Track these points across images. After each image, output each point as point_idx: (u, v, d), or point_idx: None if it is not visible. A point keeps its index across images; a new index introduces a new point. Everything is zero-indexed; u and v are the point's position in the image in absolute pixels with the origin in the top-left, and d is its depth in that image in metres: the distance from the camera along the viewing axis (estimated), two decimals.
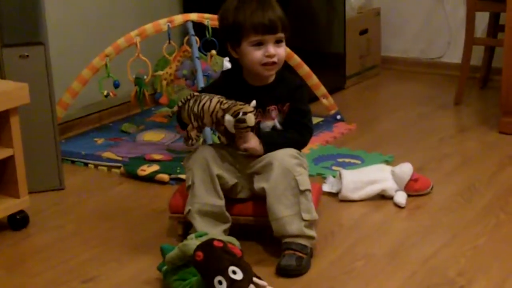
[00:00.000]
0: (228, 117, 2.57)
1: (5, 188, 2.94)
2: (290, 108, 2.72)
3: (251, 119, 2.55)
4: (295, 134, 2.71)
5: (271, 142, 2.68)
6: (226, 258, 2.26)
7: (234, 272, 2.24)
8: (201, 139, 3.54)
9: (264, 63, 2.66)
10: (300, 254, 2.56)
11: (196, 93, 2.69)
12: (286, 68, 3.02)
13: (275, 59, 2.66)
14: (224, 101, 2.61)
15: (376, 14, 5.09)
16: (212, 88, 2.78)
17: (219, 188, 2.65)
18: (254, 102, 2.61)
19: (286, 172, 2.59)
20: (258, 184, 2.66)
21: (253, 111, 2.57)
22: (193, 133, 2.66)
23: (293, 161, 2.62)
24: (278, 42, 2.66)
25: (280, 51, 2.67)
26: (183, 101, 2.69)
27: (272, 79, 2.73)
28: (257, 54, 2.65)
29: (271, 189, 2.60)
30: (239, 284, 2.22)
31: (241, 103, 2.58)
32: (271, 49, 2.64)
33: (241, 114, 2.54)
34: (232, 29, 2.68)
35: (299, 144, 2.73)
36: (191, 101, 2.65)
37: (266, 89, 2.71)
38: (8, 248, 2.83)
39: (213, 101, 2.61)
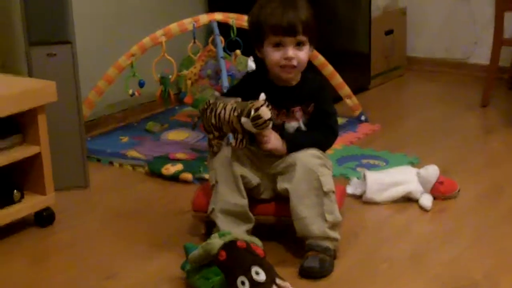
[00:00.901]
0: (244, 119, 2.56)
1: (32, 185, 2.97)
2: (315, 109, 2.71)
3: (264, 112, 2.53)
4: (319, 135, 2.70)
5: (295, 142, 2.68)
6: (249, 258, 2.27)
7: (257, 273, 2.24)
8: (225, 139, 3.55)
9: (283, 65, 2.65)
10: (323, 256, 2.55)
11: (212, 101, 2.69)
12: (311, 68, 3.01)
13: (293, 62, 2.64)
14: (237, 106, 2.60)
15: (402, 14, 5.07)
16: (236, 89, 2.80)
17: (242, 187, 2.65)
18: (263, 95, 2.58)
19: (309, 173, 2.59)
20: (281, 184, 2.65)
21: (264, 103, 2.55)
22: (214, 142, 2.68)
23: (316, 161, 2.62)
24: (298, 44, 2.64)
25: (301, 54, 2.64)
26: (201, 110, 2.70)
27: (297, 80, 2.72)
28: (276, 56, 2.64)
29: (294, 190, 2.60)
30: (262, 285, 2.23)
31: (251, 101, 2.57)
32: (290, 51, 2.63)
33: (253, 111, 2.53)
34: (255, 29, 2.69)
35: (323, 145, 2.71)
36: (208, 111, 2.66)
37: (291, 90, 2.71)
38: (34, 244, 2.86)
39: (227, 109, 2.62)
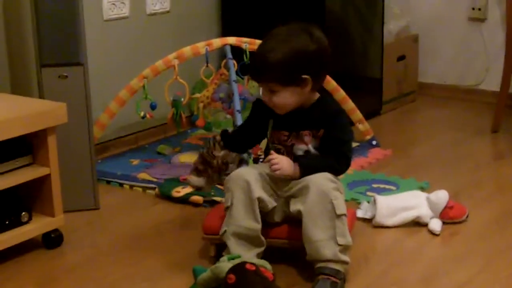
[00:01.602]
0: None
1: (41, 206, 2.97)
2: (327, 135, 2.68)
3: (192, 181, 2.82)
4: (333, 161, 2.68)
5: (308, 166, 2.67)
6: (258, 281, 2.26)
7: None
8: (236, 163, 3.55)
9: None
10: (334, 279, 2.53)
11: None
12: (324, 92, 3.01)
13: (269, 104, 2.66)
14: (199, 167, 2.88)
15: (414, 40, 5.08)
16: (249, 119, 2.84)
17: (258, 211, 2.64)
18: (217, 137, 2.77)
19: (323, 196, 2.58)
20: (294, 206, 2.65)
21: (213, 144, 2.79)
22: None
23: (330, 184, 2.61)
24: (271, 91, 2.63)
25: (275, 99, 2.62)
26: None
27: (310, 103, 2.71)
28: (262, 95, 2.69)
29: (307, 212, 2.59)
30: None
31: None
32: (263, 97, 2.66)
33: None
34: None
35: (336, 171, 2.70)
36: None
37: (300, 113, 2.70)
38: (41, 266, 2.85)
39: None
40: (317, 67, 2.63)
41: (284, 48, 2.58)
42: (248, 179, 2.64)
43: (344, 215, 2.61)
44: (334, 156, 2.69)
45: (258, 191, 2.64)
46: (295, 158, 2.70)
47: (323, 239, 2.57)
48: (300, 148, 2.71)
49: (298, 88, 2.62)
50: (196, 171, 2.92)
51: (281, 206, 2.73)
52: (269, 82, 2.61)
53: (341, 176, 2.73)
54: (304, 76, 2.60)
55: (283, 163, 2.65)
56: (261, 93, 2.68)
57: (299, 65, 2.59)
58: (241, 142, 2.87)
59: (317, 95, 2.72)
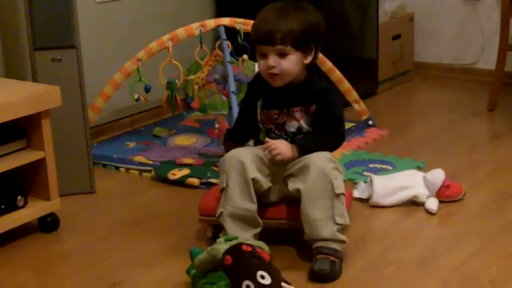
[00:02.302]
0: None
1: (36, 190, 2.96)
2: (319, 113, 2.70)
3: None
4: (329, 138, 2.71)
5: (306, 146, 2.68)
6: (255, 262, 2.26)
7: (262, 277, 2.23)
8: None
9: (267, 74, 2.68)
10: (333, 258, 2.54)
11: None
12: (319, 73, 3.01)
13: (275, 71, 2.65)
14: None
15: (409, 19, 5.06)
16: (246, 99, 2.85)
17: (253, 192, 2.64)
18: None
19: (322, 175, 2.59)
20: (294, 185, 2.65)
21: None
22: None
23: (330, 164, 2.62)
24: (281, 54, 2.64)
25: (284, 63, 2.65)
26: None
27: (299, 80, 2.72)
28: (262, 65, 2.69)
29: (307, 191, 2.59)
30: None
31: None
32: (270, 60, 2.65)
33: None
34: (249, 37, 2.75)
35: (332, 147, 2.73)
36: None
37: (291, 90, 2.71)
38: (38, 250, 2.85)
39: None
40: (320, 39, 2.71)
41: (296, 16, 2.64)
42: (242, 160, 2.64)
43: (343, 194, 2.61)
44: (328, 132, 2.71)
45: (253, 172, 2.64)
46: (290, 138, 2.71)
47: (322, 218, 2.57)
48: (292, 125, 2.72)
49: (303, 56, 2.67)
50: None
51: (278, 186, 2.73)
52: (285, 44, 2.62)
53: (338, 156, 2.74)
54: (311, 44, 2.67)
55: (281, 148, 2.66)
56: (257, 66, 2.69)
57: (310, 33, 2.67)
58: (244, 132, 2.86)
59: (305, 74, 2.75)
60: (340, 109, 2.78)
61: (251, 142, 2.90)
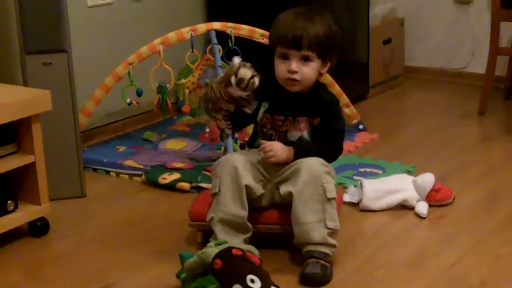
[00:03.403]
0: (230, 89, 2.62)
1: (26, 194, 2.95)
2: (322, 124, 2.71)
3: (244, 73, 2.59)
4: (326, 148, 2.71)
5: (302, 149, 2.68)
6: (245, 266, 2.26)
7: (252, 281, 2.23)
8: (223, 148, 3.54)
9: (286, 78, 2.66)
10: (324, 263, 2.54)
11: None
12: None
13: (296, 76, 2.65)
14: (217, 79, 2.69)
15: (400, 24, 5.07)
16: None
17: (245, 198, 2.63)
18: (235, 59, 2.64)
19: (314, 179, 2.59)
20: (285, 188, 2.65)
21: (240, 65, 2.61)
22: (221, 124, 2.68)
23: (322, 168, 2.62)
24: (305, 59, 2.64)
25: (306, 69, 2.64)
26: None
27: (308, 88, 2.72)
28: (281, 68, 2.67)
29: (298, 194, 2.59)
30: None
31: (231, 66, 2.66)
32: (293, 64, 2.64)
33: (233, 78, 2.58)
34: (269, 38, 2.74)
35: (328, 158, 2.71)
36: (201, 108, 2.72)
37: (300, 98, 2.71)
38: (28, 254, 2.84)
39: (214, 88, 2.67)
40: (337, 47, 2.73)
41: (322, 24, 2.65)
42: (236, 165, 2.63)
43: (334, 198, 2.62)
44: (328, 144, 2.71)
45: (246, 178, 2.63)
46: (289, 143, 2.71)
47: (312, 222, 2.57)
48: (294, 135, 2.72)
49: (322, 65, 2.69)
50: (224, 118, 2.76)
51: (270, 192, 2.73)
52: (312, 49, 2.62)
53: None
54: (331, 53, 2.69)
55: (276, 150, 2.67)
56: (292, 65, 2.63)
57: (332, 42, 2.68)
58: (241, 119, 2.80)
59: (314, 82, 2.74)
60: (344, 124, 2.80)
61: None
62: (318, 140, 2.72)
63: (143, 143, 4.00)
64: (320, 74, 2.73)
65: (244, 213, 2.64)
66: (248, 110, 2.68)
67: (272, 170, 2.71)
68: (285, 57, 2.65)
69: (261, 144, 2.69)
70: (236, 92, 2.61)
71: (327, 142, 2.71)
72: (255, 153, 2.73)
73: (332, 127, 2.72)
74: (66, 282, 2.62)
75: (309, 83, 2.69)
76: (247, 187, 2.63)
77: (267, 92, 2.72)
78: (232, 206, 2.63)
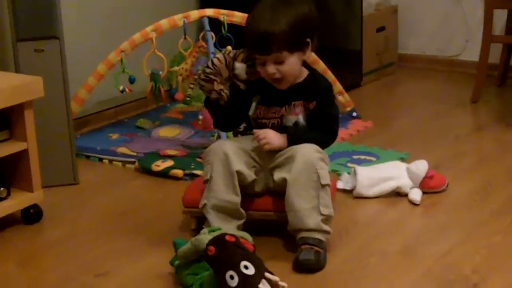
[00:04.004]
0: (238, 64, 2.64)
1: (19, 182, 2.95)
2: (317, 109, 2.70)
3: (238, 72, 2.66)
4: (321, 134, 2.71)
5: (296, 136, 2.68)
6: (238, 253, 2.25)
7: (246, 267, 2.22)
8: (216, 135, 3.54)
9: (269, 79, 2.66)
10: (318, 249, 2.54)
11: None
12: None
13: (277, 76, 2.63)
14: (229, 52, 2.69)
15: (393, 12, 5.06)
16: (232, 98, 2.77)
17: (237, 184, 2.63)
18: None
19: (308, 165, 2.58)
20: (279, 174, 2.64)
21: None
22: (218, 87, 2.67)
23: (316, 154, 2.62)
24: (278, 62, 2.61)
25: (283, 67, 2.61)
26: (196, 77, 2.77)
27: (301, 79, 2.71)
28: (262, 72, 2.65)
29: (292, 180, 2.58)
30: (250, 279, 2.20)
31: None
32: (269, 69, 2.62)
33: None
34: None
35: (323, 144, 2.71)
36: (201, 73, 2.70)
37: (294, 89, 2.70)
38: (21, 242, 2.84)
39: (220, 56, 2.69)
40: (314, 29, 2.67)
41: (286, 15, 2.58)
42: (227, 151, 2.63)
43: (328, 185, 2.61)
44: (322, 129, 2.71)
45: (237, 164, 2.63)
46: (284, 128, 2.70)
47: (307, 208, 2.57)
48: (290, 119, 2.71)
49: (301, 53, 2.64)
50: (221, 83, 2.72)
51: (264, 178, 2.72)
52: (279, 51, 2.58)
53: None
54: (307, 39, 2.64)
55: (270, 137, 2.66)
56: (268, 69, 2.62)
57: (303, 29, 2.62)
58: (232, 118, 2.81)
59: (306, 71, 2.73)
60: (337, 110, 2.79)
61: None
62: (313, 125, 2.71)
63: (136, 131, 3.99)
64: (305, 61, 2.71)
65: (237, 198, 2.64)
66: (225, 97, 2.70)
67: (266, 156, 2.70)
68: (263, 63, 2.63)
69: (254, 133, 2.68)
70: (240, 71, 2.66)
71: (322, 127, 2.70)
72: (247, 140, 2.72)
73: (327, 111, 2.71)
74: (60, 271, 2.61)
75: (296, 74, 2.67)
76: (239, 173, 2.63)
77: (258, 86, 2.70)
78: (224, 192, 2.63)
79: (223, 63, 2.66)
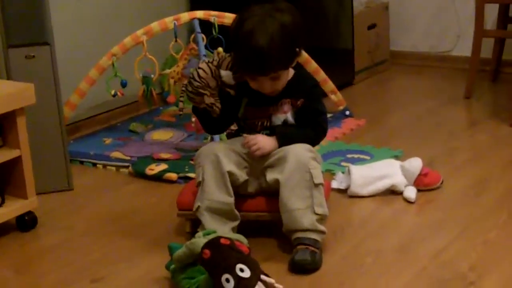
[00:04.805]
0: (223, 72, 2.64)
1: (13, 189, 2.94)
2: (305, 106, 2.70)
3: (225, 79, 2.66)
4: (310, 131, 2.71)
5: (286, 136, 2.68)
6: (233, 255, 2.25)
7: (241, 270, 2.22)
8: (209, 137, 3.53)
9: (263, 92, 2.66)
10: (313, 249, 2.54)
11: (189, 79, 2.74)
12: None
13: (272, 90, 2.65)
14: (212, 60, 2.69)
15: (384, 9, 5.06)
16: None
17: (229, 185, 2.63)
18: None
19: (301, 165, 2.58)
20: (272, 175, 2.64)
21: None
22: (209, 101, 2.66)
23: (308, 154, 2.62)
24: (273, 78, 2.61)
25: (277, 83, 2.63)
26: (183, 89, 2.73)
27: (288, 78, 2.71)
28: (254, 85, 2.66)
29: (285, 181, 2.59)
30: (246, 282, 2.20)
31: (228, 54, 2.67)
32: (266, 87, 2.63)
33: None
34: (233, 53, 2.66)
35: (312, 141, 2.72)
36: (188, 85, 2.68)
37: (282, 90, 2.70)
38: (17, 249, 2.83)
39: (204, 66, 2.67)
40: (302, 35, 2.66)
41: (278, 33, 2.54)
42: (217, 153, 2.63)
43: (321, 184, 2.62)
44: (311, 126, 2.71)
45: (228, 165, 2.63)
46: (273, 129, 2.70)
47: (301, 208, 2.57)
48: (279, 118, 2.71)
49: (294, 62, 2.67)
50: (211, 95, 2.71)
51: (256, 178, 2.72)
52: (277, 69, 2.59)
53: (316, 147, 2.74)
54: (297, 49, 2.64)
55: (261, 142, 2.66)
56: (264, 87, 2.63)
57: (293, 41, 2.60)
58: (221, 123, 2.81)
59: (292, 70, 2.73)
60: (324, 105, 2.79)
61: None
62: (302, 122, 2.71)
63: (129, 135, 3.99)
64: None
65: (230, 199, 2.64)
66: (217, 110, 2.69)
67: (258, 157, 2.70)
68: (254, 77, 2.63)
69: (244, 139, 2.68)
70: (227, 78, 2.66)
71: (311, 124, 2.71)
72: (239, 141, 2.73)
73: (315, 108, 2.72)
74: (56, 277, 2.61)
75: (285, 84, 2.68)
76: (230, 173, 2.63)
77: (246, 90, 2.70)
78: (217, 193, 2.63)
79: (209, 73, 2.65)
